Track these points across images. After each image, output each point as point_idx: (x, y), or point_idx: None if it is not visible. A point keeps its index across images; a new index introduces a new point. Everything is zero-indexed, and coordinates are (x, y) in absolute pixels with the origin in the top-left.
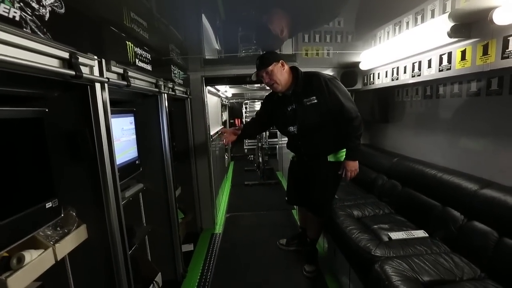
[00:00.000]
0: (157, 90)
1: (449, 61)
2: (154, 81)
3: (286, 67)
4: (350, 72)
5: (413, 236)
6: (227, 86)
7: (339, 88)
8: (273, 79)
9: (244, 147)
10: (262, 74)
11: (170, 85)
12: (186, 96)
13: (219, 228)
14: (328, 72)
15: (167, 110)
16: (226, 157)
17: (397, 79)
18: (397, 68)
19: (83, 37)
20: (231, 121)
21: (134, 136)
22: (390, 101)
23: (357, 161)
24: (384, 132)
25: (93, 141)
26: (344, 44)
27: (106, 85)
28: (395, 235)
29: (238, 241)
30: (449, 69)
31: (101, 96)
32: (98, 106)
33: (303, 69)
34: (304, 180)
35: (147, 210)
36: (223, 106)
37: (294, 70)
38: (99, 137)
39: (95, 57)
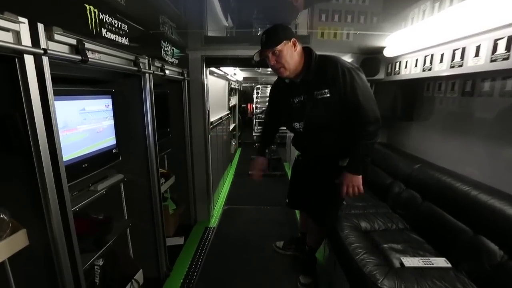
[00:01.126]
0: (136, 69)
1: (508, 48)
2: (132, 58)
3: (299, 47)
4: (372, 59)
5: (431, 265)
6: (236, 68)
7: (359, 82)
8: (281, 62)
9: (253, 134)
10: (267, 54)
11: (157, 63)
12: (182, 77)
13: (214, 221)
14: (346, 58)
15: (152, 92)
16: (233, 143)
17: (430, 69)
18: (431, 56)
19: None
20: (242, 105)
21: (112, 121)
22: (417, 95)
23: (361, 177)
24: (406, 132)
25: (26, 129)
26: (368, 25)
27: (45, 58)
28: (409, 261)
29: (232, 238)
30: (507, 58)
31: (35, 72)
32: (30, 85)
33: (318, 52)
34: (309, 183)
35: (129, 203)
36: (232, 90)
37: (306, 52)
38: (33, 124)
39: (21, 19)
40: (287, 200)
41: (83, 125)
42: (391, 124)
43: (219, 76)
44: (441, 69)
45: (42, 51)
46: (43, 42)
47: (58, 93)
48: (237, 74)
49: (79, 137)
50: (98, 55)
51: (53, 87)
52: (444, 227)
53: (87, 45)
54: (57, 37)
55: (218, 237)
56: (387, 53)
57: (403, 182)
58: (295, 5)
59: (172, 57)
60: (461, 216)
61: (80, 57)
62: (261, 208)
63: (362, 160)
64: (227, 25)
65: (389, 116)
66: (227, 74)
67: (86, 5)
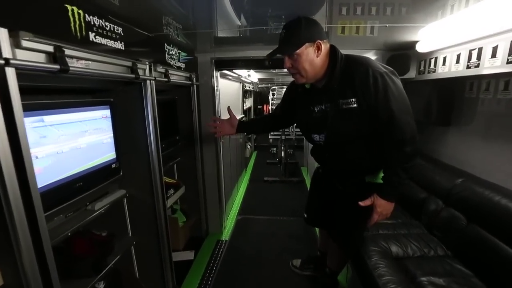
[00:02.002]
0: (133, 76)
1: None
2: (128, 64)
3: (324, 50)
4: (401, 56)
5: None
6: (250, 70)
7: (394, 90)
8: (298, 68)
9: (269, 137)
10: (285, 57)
11: (160, 69)
12: (190, 82)
13: (226, 234)
14: (370, 55)
15: (154, 100)
16: (249, 146)
17: (478, 65)
18: (479, 50)
19: None
20: (259, 107)
21: (111, 134)
22: (456, 96)
23: (394, 204)
24: (442, 138)
25: None
26: (396, 18)
27: (9, 69)
28: None
29: (245, 254)
30: None
31: None
32: None
33: (343, 51)
34: (330, 200)
35: (133, 219)
36: (247, 92)
37: (331, 52)
38: None
39: None
40: (305, 215)
41: (75, 141)
42: (424, 129)
43: (232, 78)
44: (493, 65)
45: (3, 62)
46: (6, 51)
47: (42, 107)
48: (251, 75)
49: (70, 155)
50: (86, 62)
51: (41, 100)
52: (498, 257)
53: (69, 52)
54: (26, 43)
55: (231, 252)
56: (420, 48)
57: (441, 198)
58: None
59: (178, 61)
60: None
61: (58, 67)
62: (277, 220)
63: (398, 186)
64: (239, 24)
65: (422, 120)
66: (241, 76)
67: (68, 6)
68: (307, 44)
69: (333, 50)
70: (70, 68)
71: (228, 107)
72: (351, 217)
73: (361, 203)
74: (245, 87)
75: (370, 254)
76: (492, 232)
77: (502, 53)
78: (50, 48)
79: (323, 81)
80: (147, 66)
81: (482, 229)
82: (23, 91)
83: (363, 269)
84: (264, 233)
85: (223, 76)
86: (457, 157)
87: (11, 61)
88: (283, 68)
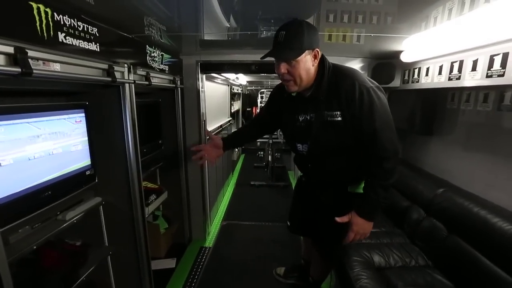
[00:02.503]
0: (109, 79)
1: None
2: (104, 66)
3: (318, 58)
4: (386, 64)
5: None
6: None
7: (379, 106)
8: (294, 75)
9: (257, 140)
10: (280, 62)
11: (141, 72)
12: (174, 85)
13: (210, 240)
14: (357, 63)
15: (133, 104)
16: (237, 149)
17: (459, 78)
18: (461, 62)
19: None
20: (248, 109)
21: (85, 139)
22: (439, 106)
23: (372, 223)
24: (424, 147)
25: None
26: (382, 27)
27: None
28: None
29: (229, 261)
30: None
31: None
32: None
33: (331, 58)
34: (313, 209)
35: (110, 228)
36: (235, 95)
37: (320, 61)
38: None
39: None
40: (288, 223)
41: (43, 148)
42: (407, 137)
43: (219, 81)
44: (473, 78)
45: None
46: None
47: (4, 111)
48: (240, 78)
49: (36, 163)
50: (54, 65)
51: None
52: (477, 269)
53: (34, 54)
54: None
55: (214, 260)
56: (404, 58)
57: (423, 208)
58: None
59: (161, 64)
60: (499, 261)
61: (19, 69)
62: (262, 225)
63: (377, 205)
64: (228, 26)
65: (405, 129)
66: (229, 79)
67: (33, 4)
68: (308, 50)
69: (321, 60)
70: (34, 71)
71: (206, 130)
72: (333, 227)
73: (338, 219)
74: (233, 90)
75: (352, 264)
76: (471, 244)
77: (482, 66)
78: (10, 49)
79: (310, 91)
80: (126, 68)
81: (462, 240)
82: None
83: (345, 280)
84: (249, 239)
85: (210, 79)
86: (438, 166)
87: None
88: (272, 73)
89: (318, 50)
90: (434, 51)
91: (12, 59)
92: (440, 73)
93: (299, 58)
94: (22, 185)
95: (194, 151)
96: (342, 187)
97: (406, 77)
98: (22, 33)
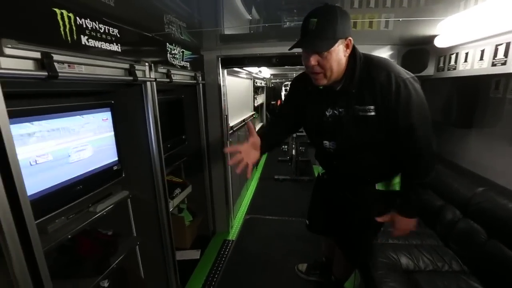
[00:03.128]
0: (131, 78)
1: None
2: (125, 66)
3: (351, 48)
4: (418, 51)
5: None
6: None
7: (416, 100)
8: (325, 67)
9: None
10: (310, 53)
11: (162, 69)
12: (195, 81)
13: (233, 233)
14: (385, 51)
15: (155, 101)
16: None
17: (505, 63)
18: (507, 45)
19: None
20: (272, 102)
21: (112, 136)
22: (480, 96)
23: (415, 219)
24: (462, 141)
25: None
26: (413, 10)
27: None
28: None
29: (251, 255)
30: None
31: None
32: None
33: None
34: (337, 209)
35: (137, 219)
36: (258, 88)
37: (351, 51)
38: None
39: None
40: (307, 222)
41: (74, 146)
42: (443, 130)
43: (241, 75)
44: None
45: None
46: None
47: (37, 112)
48: (263, 71)
49: (68, 161)
50: (78, 67)
51: (36, 105)
52: None
53: (59, 57)
54: (10, 51)
55: (237, 252)
56: (439, 43)
57: (459, 208)
58: None
59: (182, 60)
60: None
61: (46, 73)
62: (286, 220)
63: (417, 204)
64: (249, 18)
65: (440, 121)
66: (252, 73)
67: (56, 10)
68: (341, 40)
69: (352, 50)
70: (60, 74)
71: (249, 123)
72: (360, 226)
73: (379, 219)
74: (256, 83)
75: (377, 266)
76: None
77: None
78: (37, 55)
79: (340, 83)
80: (147, 67)
81: (505, 246)
82: (19, 96)
83: (369, 282)
84: (271, 234)
85: (232, 73)
86: (479, 162)
87: None
88: (295, 66)
89: (351, 38)
90: (475, 33)
91: (39, 63)
92: (481, 58)
93: (334, 47)
94: (58, 180)
95: (229, 152)
96: (370, 185)
97: (441, 64)
98: (48, 38)
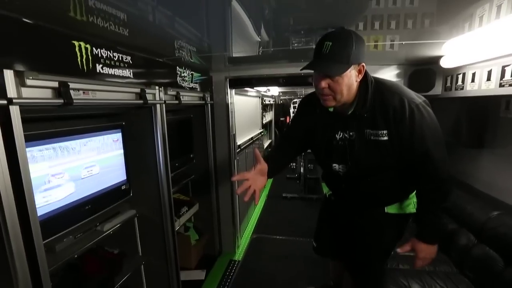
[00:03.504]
0: (141, 102)
1: None
2: (137, 90)
3: (363, 73)
4: (425, 71)
5: None
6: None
7: (430, 124)
8: (335, 91)
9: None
10: (321, 75)
11: (171, 92)
12: (203, 102)
13: (240, 254)
14: (391, 70)
15: (163, 123)
16: None
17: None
18: None
19: None
20: (281, 118)
21: (122, 156)
22: (490, 116)
23: (436, 245)
24: (474, 161)
25: None
26: (418, 31)
27: (14, 107)
28: None
29: (257, 277)
30: None
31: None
32: None
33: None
34: (346, 233)
35: (143, 238)
36: (267, 106)
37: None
38: None
39: None
40: (314, 244)
41: (85, 167)
42: (454, 150)
43: (250, 94)
44: None
45: (5, 102)
46: (11, 91)
47: (50, 136)
48: (271, 89)
49: (79, 182)
50: (92, 93)
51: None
52: None
53: (75, 85)
54: (31, 82)
55: (243, 274)
56: (445, 63)
57: (474, 232)
58: None
59: (191, 82)
60: None
61: (62, 101)
62: (293, 240)
63: (439, 228)
64: (259, 40)
65: (450, 141)
66: (260, 91)
67: (75, 42)
68: (355, 65)
69: (364, 73)
70: (75, 101)
71: (255, 149)
72: (369, 251)
73: (399, 250)
74: (264, 101)
75: None
76: None
77: None
78: (55, 84)
79: (351, 107)
80: (157, 90)
81: None
82: (38, 119)
83: None
84: (279, 254)
85: (241, 92)
86: (493, 184)
87: (14, 100)
88: (301, 86)
89: (364, 64)
90: (481, 54)
91: (57, 91)
92: (489, 78)
93: (347, 71)
94: (68, 200)
95: (237, 180)
96: (379, 208)
97: (449, 84)
98: (65, 68)
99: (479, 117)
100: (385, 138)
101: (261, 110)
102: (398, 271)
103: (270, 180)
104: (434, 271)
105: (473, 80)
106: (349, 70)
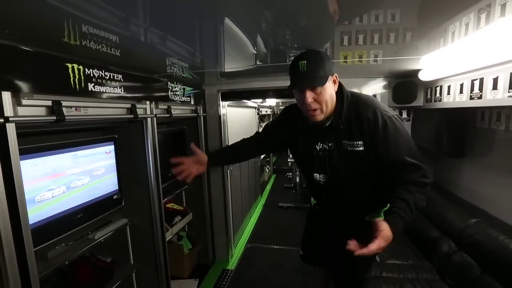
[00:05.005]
0: (131, 116)
1: None
2: (127, 105)
3: (337, 83)
4: (407, 83)
5: None
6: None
7: (404, 134)
8: (321, 102)
9: (288, 160)
10: (305, 92)
11: (162, 106)
12: (196, 114)
13: (233, 263)
14: (376, 83)
15: (154, 135)
16: (267, 170)
17: (480, 97)
18: (480, 80)
19: None
20: None
21: (114, 167)
22: (468, 126)
23: (395, 233)
24: (456, 170)
25: None
26: (400, 46)
27: (10, 125)
28: None
29: (249, 286)
30: None
31: None
32: None
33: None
34: (330, 241)
35: (135, 247)
36: (264, 116)
37: (338, 89)
38: None
39: None
40: (301, 253)
41: (78, 178)
42: (436, 159)
43: (246, 105)
44: (495, 97)
45: (2, 120)
46: (8, 110)
47: (44, 149)
48: (267, 100)
49: (71, 192)
50: (84, 109)
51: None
52: None
53: (67, 103)
54: (26, 101)
55: (235, 283)
56: (423, 76)
57: (454, 240)
58: (333, 18)
59: (183, 96)
60: None
61: (54, 117)
62: (286, 250)
63: (405, 217)
64: (255, 52)
65: (432, 150)
66: (256, 102)
67: (68, 64)
68: (330, 76)
69: (339, 87)
70: (67, 117)
71: (192, 144)
72: (352, 257)
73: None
74: (260, 112)
75: None
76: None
77: (502, 85)
78: (48, 103)
79: (329, 120)
80: (148, 105)
81: (498, 282)
82: (35, 134)
83: None
84: (272, 264)
85: (235, 104)
86: (474, 191)
87: (11, 118)
88: (290, 98)
89: (336, 75)
90: (452, 68)
91: (50, 109)
92: (461, 91)
93: (328, 83)
94: (60, 208)
95: (174, 162)
96: (359, 216)
97: (429, 96)
98: (59, 88)
99: (458, 127)
100: (361, 148)
101: (257, 121)
102: (381, 278)
103: (268, 189)
104: (417, 278)
105: (448, 93)
106: (329, 79)
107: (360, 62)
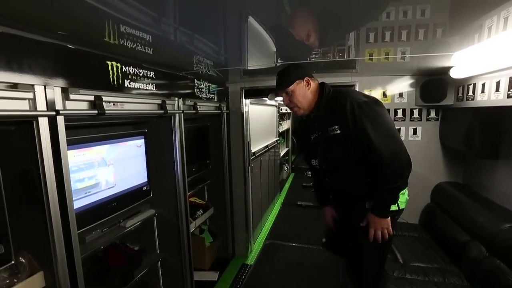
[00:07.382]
0: (162, 112)
1: None
2: (158, 101)
3: (313, 84)
4: (436, 81)
5: None
6: None
7: (372, 116)
8: (293, 102)
9: None
10: (281, 94)
11: (189, 102)
12: (219, 111)
13: (252, 258)
14: (403, 81)
15: (181, 130)
16: (286, 168)
17: None
18: None
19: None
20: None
21: (144, 160)
22: (505, 127)
23: (389, 218)
24: (489, 172)
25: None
26: (430, 42)
27: (60, 117)
28: None
29: (268, 281)
30: None
31: (48, 131)
32: (42, 142)
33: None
34: (340, 224)
35: (161, 237)
36: (284, 115)
37: (320, 88)
38: (44, 177)
39: (37, 87)
40: (324, 240)
41: (123, 164)
42: (467, 161)
43: (266, 103)
44: None
45: (54, 113)
46: (59, 103)
47: (86, 141)
48: None
49: (107, 179)
50: (120, 105)
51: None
52: None
53: (107, 98)
54: (73, 96)
55: (254, 278)
56: (454, 74)
57: (485, 244)
58: (307, 44)
59: (208, 93)
60: None
61: (96, 111)
62: (305, 248)
63: (386, 205)
64: (275, 50)
65: (463, 151)
66: (277, 100)
67: (108, 62)
68: (297, 81)
69: (321, 86)
70: (106, 111)
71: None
72: (359, 244)
73: (361, 224)
74: (281, 110)
75: None
76: None
77: None
78: (91, 98)
79: (314, 112)
80: (176, 101)
81: None
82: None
83: None
84: (290, 261)
85: (257, 102)
86: (509, 195)
87: (61, 111)
88: None
89: (309, 78)
90: (488, 65)
91: (92, 104)
92: (497, 89)
93: (291, 87)
94: (97, 197)
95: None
96: (361, 203)
97: (460, 94)
98: (100, 84)
99: (493, 127)
100: (338, 132)
101: (277, 119)
102: (405, 280)
103: (286, 188)
104: (443, 282)
105: (483, 91)
106: (294, 84)
107: (386, 60)
